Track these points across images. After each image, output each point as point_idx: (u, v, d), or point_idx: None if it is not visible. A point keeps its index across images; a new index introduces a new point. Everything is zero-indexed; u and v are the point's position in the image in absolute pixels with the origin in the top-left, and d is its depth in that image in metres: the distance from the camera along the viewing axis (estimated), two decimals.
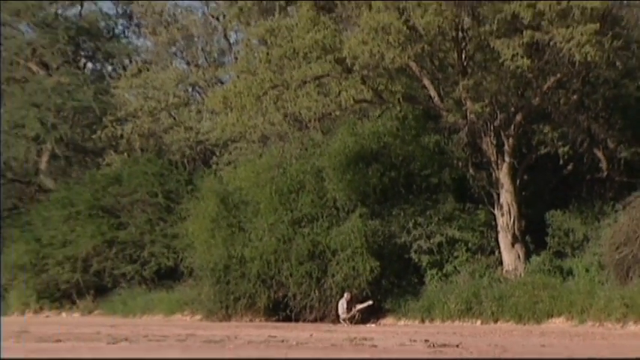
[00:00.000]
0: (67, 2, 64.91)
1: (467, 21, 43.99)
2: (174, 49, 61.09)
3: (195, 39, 60.37)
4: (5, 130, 58.93)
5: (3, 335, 45.43)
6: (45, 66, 63.23)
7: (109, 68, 65.44)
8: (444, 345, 35.94)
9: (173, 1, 61.50)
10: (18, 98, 59.60)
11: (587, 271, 43.98)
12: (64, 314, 53.45)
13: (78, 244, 53.54)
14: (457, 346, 35.63)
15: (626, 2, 45.81)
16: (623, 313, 40.82)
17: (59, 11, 64.39)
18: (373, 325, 44.59)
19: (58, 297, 54.42)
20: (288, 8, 48.27)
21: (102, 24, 65.65)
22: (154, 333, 43.99)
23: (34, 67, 63.13)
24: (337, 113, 46.79)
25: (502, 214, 45.97)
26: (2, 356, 26.20)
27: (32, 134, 58.52)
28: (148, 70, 59.90)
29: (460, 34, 44.35)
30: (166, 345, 39.24)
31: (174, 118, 56.49)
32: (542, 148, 47.29)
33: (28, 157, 59.74)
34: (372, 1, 43.62)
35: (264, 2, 48.86)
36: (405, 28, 42.54)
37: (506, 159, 45.88)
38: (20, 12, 63.65)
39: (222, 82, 55.96)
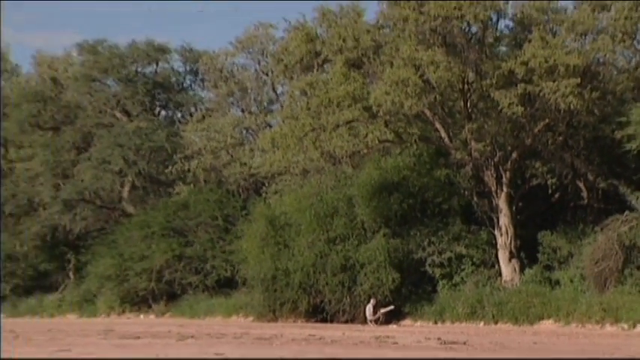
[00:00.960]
0: (145, 61, 64.89)
1: (471, 75, 43.87)
2: (231, 99, 61.08)
3: (249, 91, 60.33)
4: (95, 166, 59.06)
5: (91, 333, 45.51)
6: (127, 113, 63.29)
7: (179, 115, 65.48)
8: (453, 342, 35.76)
9: (231, 60, 61.65)
10: (105, 140, 59.62)
11: (571, 281, 43.76)
12: (141, 316, 53.40)
13: (153, 259, 53.53)
14: (464, 343, 35.51)
15: (602, 60, 45.40)
16: (601, 317, 40.89)
17: (139, 69, 64.53)
18: (394, 326, 44.34)
19: (137, 302, 54.43)
20: (325, 65, 48.06)
21: (173, 79, 65.70)
22: (214, 332, 43.87)
23: (119, 115, 63.21)
24: (365, 151, 46.66)
25: (501, 235, 45.75)
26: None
27: (117, 169, 58.59)
28: (210, 116, 59.97)
29: (465, 86, 44.15)
30: (224, 341, 39.12)
31: (232, 156, 56.39)
32: (534, 180, 47.50)
33: (113, 188, 59.74)
34: (393, 59, 43.60)
35: (305, 60, 48.70)
36: (420, 81, 42.56)
37: (504, 189, 45.68)
38: (107, 70, 63.78)
39: (270, 126, 55.95)
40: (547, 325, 42.12)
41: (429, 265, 46.47)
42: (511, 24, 46.29)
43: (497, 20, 45.28)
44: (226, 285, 52.65)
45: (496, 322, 43.21)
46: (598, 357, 28.97)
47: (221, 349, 35.58)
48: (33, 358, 24.45)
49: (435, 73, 42.55)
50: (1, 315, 51.20)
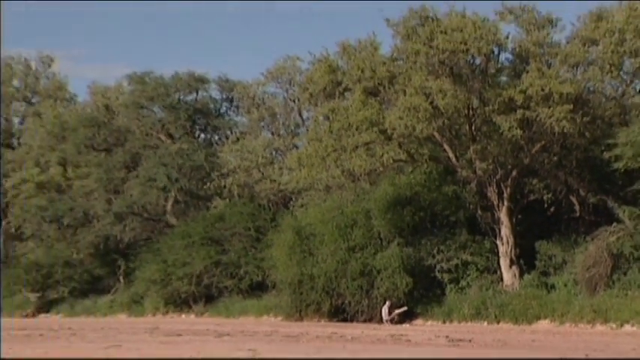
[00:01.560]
0: (186, 90, 65.02)
1: (475, 102, 43.72)
2: (262, 123, 61.16)
3: (278, 116, 60.43)
4: (142, 182, 59.23)
5: (139, 330, 45.46)
6: (170, 136, 63.43)
7: (216, 137, 65.54)
8: (460, 340, 35.64)
9: (262, 89, 61.80)
10: (151, 160, 59.69)
11: (565, 285, 43.54)
12: (183, 316, 53.40)
13: (193, 265, 53.51)
14: (469, 341, 35.42)
15: (592, 89, 45.32)
16: (592, 317, 40.68)
17: (181, 97, 64.67)
18: (407, 325, 44.22)
19: (179, 303, 54.37)
20: (345, 93, 47.96)
21: (211, 106, 65.79)
22: (247, 330, 43.85)
23: (163, 137, 63.31)
24: (381, 169, 46.36)
25: (502, 244, 45.56)
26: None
27: (161, 185, 58.65)
28: (243, 138, 59.98)
29: (470, 111, 43.98)
30: (256, 338, 39.01)
31: (262, 173, 56.39)
32: (532, 195, 47.10)
33: (158, 202, 59.77)
34: (406, 88, 43.54)
35: (328, 89, 48.66)
36: (430, 107, 42.55)
37: (505, 203, 45.50)
38: (154, 98, 63.91)
39: (297, 147, 55.93)
40: (544, 324, 41.87)
41: (438, 270, 46.34)
42: (511, 56, 46.07)
43: (499, 53, 45.14)
44: (258, 288, 52.57)
45: (498, 322, 42.99)
46: (578, 357, 28.77)
47: (253, 345, 35.54)
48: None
49: (443, 100, 42.49)
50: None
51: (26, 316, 59.03)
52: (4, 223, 65.73)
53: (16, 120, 71.74)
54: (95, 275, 60.72)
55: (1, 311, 54.14)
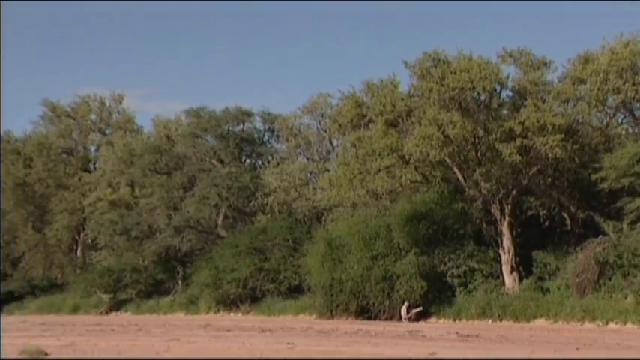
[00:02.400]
0: (234, 122, 65.12)
1: (480, 132, 43.59)
2: (298, 150, 61.18)
3: (312, 144, 60.40)
4: (197, 201, 59.35)
5: (194, 326, 45.38)
6: (221, 162, 63.50)
7: (259, 162, 65.55)
8: (468, 335, 35.45)
9: (298, 121, 61.88)
10: (205, 181, 59.81)
11: (558, 289, 43.29)
12: (232, 314, 53.30)
13: (240, 271, 53.42)
14: (476, 336, 35.19)
15: (580, 121, 45.10)
16: (581, 316, 40.52)
17: (230, 128, 64.69)
18: (423, 322, 43.98)
19: (228, 303, 54.21)
20: (369, 125, 47.97)
21: (255, 135, 65.89)
22: (286, 326, 43.62)
23: (215, 162, 63.46)
24: (399, 189, 46.53)
25: (504, 253, 45.31)
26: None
27: (213, 203, 58.75)
28: (282, 163, 60.03)
29: (476, 140, 43.87)
30: (294, 333, 38.80)
31: (299, 193, 56.35)
32: (529, 212, 46.89)
33: (211, 217, 59.76)
34: (421, 120, 43.46)
35: (354, 121, 48.67)
36: (442, 136, 42.46)
37: (507, 218, 45.29)
38: (207, 129, 64.07)
39: (328, 170, 55.84)
40: (540, 322, 41.53)
41: (449, 276, 46.14)
42: (511, 93, 45.98)
43: (500, 90, 45.03)
44: (295, 291, 52.42)
45: (501, 320, 42.66)
46: (570, 349, 28.39)
47: (291, 339, 35.48)
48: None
49: (453, 130, 42.44)
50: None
51: (100, 313, 59.24)
52: (82, 234, 65.83)
53: (92, 148, 72.08)
54: (158, 279, 60.79)
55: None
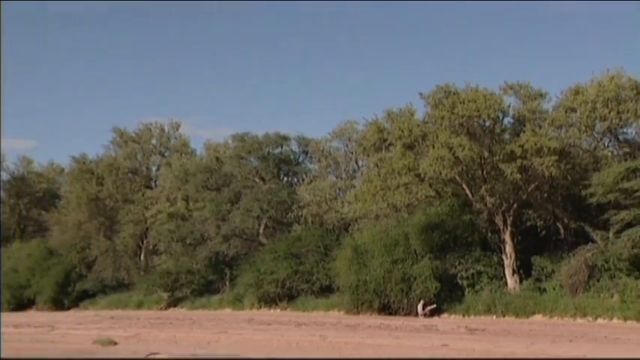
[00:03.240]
0: (274, 145, 65.26)
1: (486, 153, 43.40)
2: (329, 169, 61.14)
3: (340, 164, 60.40)
4: (242, 213, 59.28)
5: (240, 320, 45.52)
6: (262, 179, 63.63)
7: (295, 180, 65.46)
8: (476, 329, 35.47)
9: (328, 144, 62.05)
10: (248, 196, 59.93)
11: (554, 289, 42.88)
12: (271, 310, 53.29)
13: (278, 273, 53.39)
14: (483, 330, 35.01)
15: (572, 144, 44.94)
16: (574, 312, 40.30)
17: (270, 150, 64.79)
18: (436, 318, 43.83)
19: (269, 300, 54.16)
20: (389, 147, 48.04)
21: (292, 157, 65.89)
22: (318, 321, 43.82)
23: (257, 180, 63.63)
24: (416, 203, 46.27)
25: (506, 258, 45.04)
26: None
27: (255, 215, 58.79)
28: (315, 180, 60.05)
29: (482, 160, 43.69)
30: (325, 327, 38.88)
31: (329, 206, 56.30)
32: (528, 222, 46.61)
33: (253, 227, 59.66)
34: (434, 143, 43.42)
35: (376, 144, 48.74)
36: (452, 157, 42.38)
37: (509, 228, 45.05)
38: (250, 151, 64.22)
39: (354, 187, 55.77)
40: (538, 318, 41.28)
41: (459, 278, 45.89)
42: (512, 120, 45.73)
43: (503, 118, 44.69)
44: (326, 290, 52.27)
45: (504, 316, 42.41)
46: (564, 342, 28.31)
47: (323, 332, 35.69)
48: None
49: (462, 152, 42.30)
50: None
51: (160, 309, 59.43)
52: (145, 242, 66.17)
53: (153, 168, 72.40)
54: (208, 280, 60.96)
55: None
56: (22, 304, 65.77)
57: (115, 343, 32.75)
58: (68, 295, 65.23)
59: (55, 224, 71.40)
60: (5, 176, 77.96)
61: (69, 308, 64.26)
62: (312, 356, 26.08)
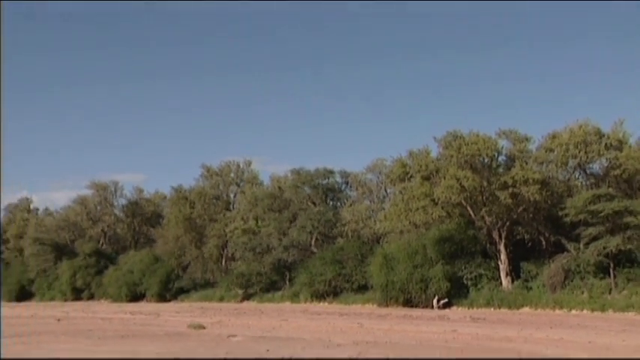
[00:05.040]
0: (322, 177, 65.16)
1: (485, 183, 43.39)
2: (364, 195, 61.03)
3: (373, 191, 60.33)
4: (298, 229, 59.30)
5: (297, 311, 45.64)
6: (314, 203, 63.64)
7: (338, 204, 65.00)
8: (478, 318, 35.18)
9: (364, 176, 61.93)
10: (303, 217, 60.07)
11: (538, 287, 42.67)
12: (321, 303, 53.14)
13: (326, 274, 53.35)
14: (483, 318, 34.71)
15: (551, 176, 44.86)
16: (553, 305, 40.12)
17: (319, 181, 64.78)
18: (448, 310, 43.61)
19: (319, 296, 53.89)
20: (411, 178, 48.08)
21: (336, 186, 65.64)
22: (357, 312, 43.77)
23: (310, 204, 63.67)
24: (431, 221, 46.18)
25: (501, 264, 44.89)
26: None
27: (308, 230, 58.95)
28: (353, 204, 60.08)
29: (482, 189, 43.64)
30: (361, 317, 38.87)
31: (365, 224, 56.26)
32: (518, 236, 46.28)
33: (307, 240, 59.62)
34: (446, 175, 43.50)
35: (400, 176, 48.68)
36: (459, 186, 42.46)
37: (503, 240, 44.92)
38: (305, 182, 64.44)
39: (384, 209, 55.63)
40: (526, 309, 41.00)
41: (465, 278, 45.74)
42: (505, 158, 45.77)
43: (498, 156, 44.70)
44: (362, 288, 52.13)
45: (499, 308, 42.16)
46: (544, 330, 28.06)
47: (360, 321, 35.67)
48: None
49: (466, 182, 42.38)
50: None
51: (237, 302, 59.67)
52: (225, 251, 66.52)
53: (231, 195, 72.54)
54: (273, 280, 60.94)
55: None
56: (136, 297, 66.52)
57: (204, 327, 33.11)
58: (169, 290, 65.73)
59: (159, 237, 72.17)
60: (123, 201, 79.34)
61: (169, 300, 64.76)
62: (354, 339, 26.13)
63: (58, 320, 41.14)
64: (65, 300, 71.21)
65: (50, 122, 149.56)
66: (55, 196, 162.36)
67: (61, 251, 76.57)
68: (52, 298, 72.76)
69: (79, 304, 64.83)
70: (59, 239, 77.98)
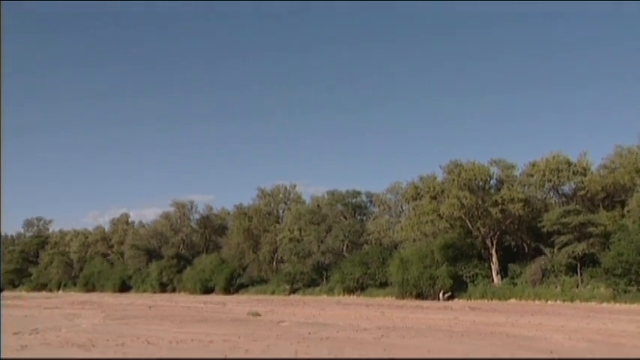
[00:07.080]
0: (352, 197, 64.81)
1: (480, 202, 43.42)
2: (385, 211, 60.63)
3: (391, 207, 60.24)
4: (332, 238, 58.69)
5: (331, 303, 45.64)
6: (345, 217, 63.27)
7: (365, 218, 64.57)
8: (475, 307, 34.99)
9: (384, 196, 61.37)
10: (336, 228, 59.55)
11: (522, 284, 42.39)
12: (351, 296, 52.62)
13: (355, 273, 53.03)
14: (479, 308, 34.50)
15: (532, 195, 44.80)
16: (534, 297, 39.92)
17: (349, 200, 64.40)
18: (451, 302, 43.26)
19: (349, 290, 53.02)
20: (421, 198, 48.20)
21: (362, 204, 65.02)
22: (379, 303, 43.64)
23: (342, 218, 63.03)
24: (438, 231, 46.19)
25: (493, 265, 44.69)
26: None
27: (340, 239, 58.88)
28: (376, 218, 59.85)
29: (478, 206, 43.69)
30: (383, 307, 38.81)
31: (385, 234, 55.70)
32: (506, 243, 45.97)
33: (340, 246, 59.01)
34: (449, 195, 43.54)
35: (413, 196, 48.97)
36: (459, 204, 42.56)
37: (494, 246, 44.75)
38: (337, 200, 64.12)
39: (400, 222, 55.44)
40: (512, 301, 40.68)
41: (464, 277, 45.44)
42: (495, 181, 45.84)
43: (490, 180, 44.90)
44: (384, 284, 51.71)
45: (492, 300, 41.83)
46: (533, 320, 27.71)
47: (382, 310, 35.56)
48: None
49: (465, 201, 42.54)
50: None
51: (285, 295, 59.52)
52: (276, 255, 66.39)
53: (280, 211, 72.52)
54: (313, 278, 60.57)
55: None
56: (207, 290, 66.80)
57: (260, 315, 33.32)
58: (232, 285, 65.94)
59: (225, 244, 72.62)
60: (197, 216, 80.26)
61: (233, 293, 64.91)
62: (377, 325, 26.06)
63: (150, 307, 42.09)
64: (154, 292, 72.31)
65: (143, 155, 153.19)
66: (147, 212, 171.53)
67: (151, 255, 78.27)
68: (144, 291, 74.03)
69: (164, 296, 65.84)
70: (150, 245, 79.63)
